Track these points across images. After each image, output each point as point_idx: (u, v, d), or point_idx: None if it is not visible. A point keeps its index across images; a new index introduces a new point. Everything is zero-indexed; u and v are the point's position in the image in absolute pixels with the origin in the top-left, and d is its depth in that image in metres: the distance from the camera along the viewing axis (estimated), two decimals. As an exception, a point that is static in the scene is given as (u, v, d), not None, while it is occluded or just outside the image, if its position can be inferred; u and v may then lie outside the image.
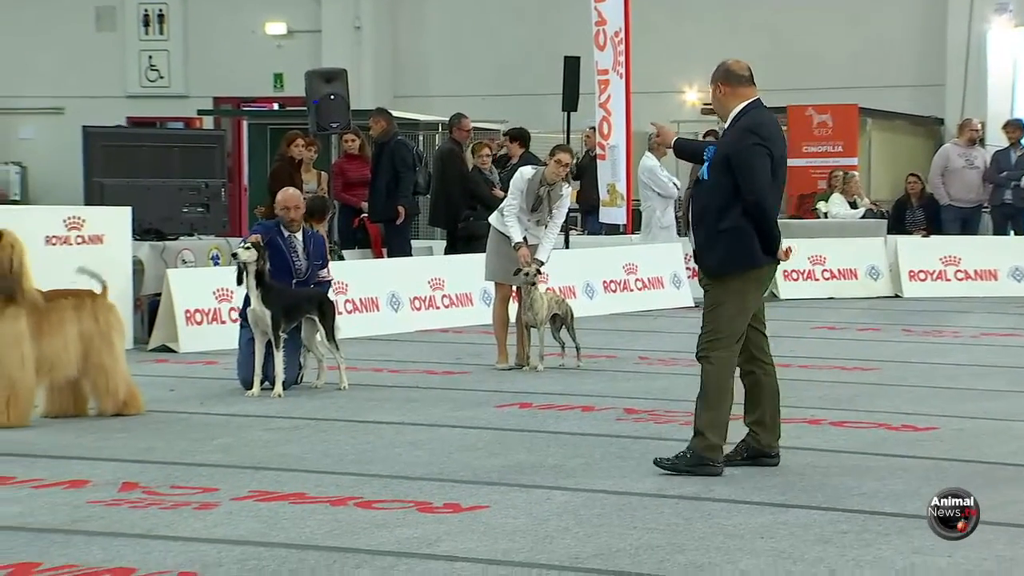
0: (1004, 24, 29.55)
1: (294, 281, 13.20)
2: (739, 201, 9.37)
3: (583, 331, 15.03)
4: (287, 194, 13.50)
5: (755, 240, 9.43)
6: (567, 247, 21.06)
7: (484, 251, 15.25)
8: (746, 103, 9.71)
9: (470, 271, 17.49)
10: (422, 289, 18.33)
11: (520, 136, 21.46)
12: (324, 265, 13.62)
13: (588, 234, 24.84)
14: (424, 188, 20.74)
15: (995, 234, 24.33)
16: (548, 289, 14.82)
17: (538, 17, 31.08)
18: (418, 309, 18.15)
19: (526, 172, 14.86)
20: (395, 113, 22.44)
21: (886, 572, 6.98)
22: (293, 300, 13.01)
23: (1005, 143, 24.67)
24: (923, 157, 27.49)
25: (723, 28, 31.23)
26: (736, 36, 30.53)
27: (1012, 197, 23.88)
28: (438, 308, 18.36)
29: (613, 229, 24.13)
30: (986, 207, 24.57)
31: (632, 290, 20.53)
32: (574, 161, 15.35)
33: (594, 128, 24.56)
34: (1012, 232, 24.38)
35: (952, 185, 24.73)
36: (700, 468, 9.14)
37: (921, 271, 23.04)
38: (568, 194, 15.40)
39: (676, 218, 22.83)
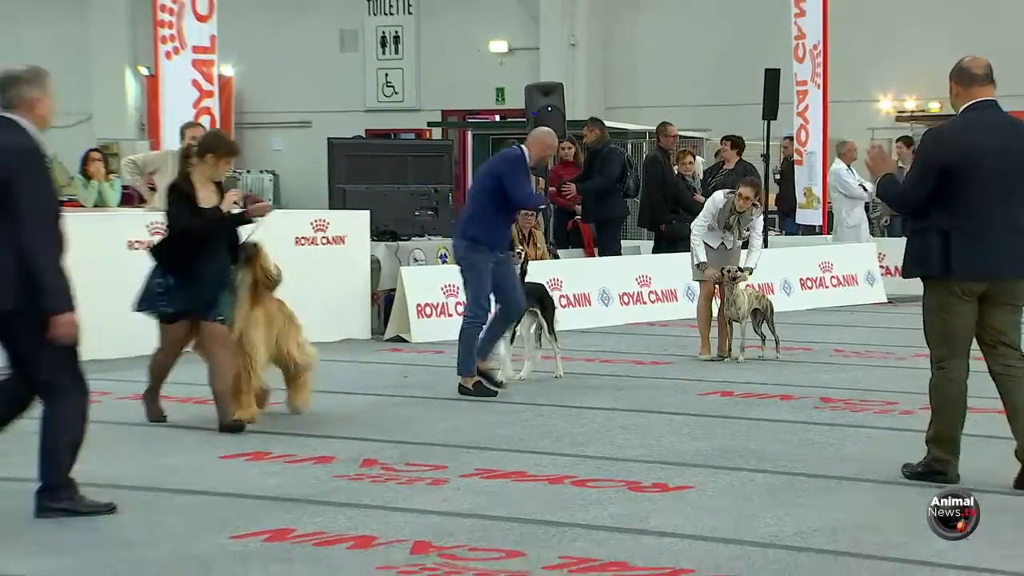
0: None
1: None
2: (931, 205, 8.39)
3: (782, 325, 14.89)
4: None
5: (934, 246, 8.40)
6: (765, 247, 20.83)
7: (687, 251, 15.17)
8: (969, 103, 8.53)
9: (674, 269, 17.46)
10: (630, 286, 18.33)
11: (736, 143, 21.25)
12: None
13: (786, 235, 24.57)
14: (633, 192, 20.70)
15: None
16: (748, 286, 14.70)
17: (741, 31, 30.79)
18: (626, 304, 18.15)
19: (718, 198, 14.78)
20: (607, 123, 22.40)
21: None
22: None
23: None
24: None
25: (922, 36, 30.35)
26: (938, 42, 29.65)
27: None
28: (645, 303, 18.33)
29: (809, 230, 23.92)
30: None
31: (827, 287, 20.27)
32: (758, 193, 15.13)
33: (791, 137, 24.41)
34: None
35: None
36: (928, 477, 8.45)
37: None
38: (759, 218, 15.34)
39: (870, 219, 22.61)
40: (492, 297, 12.25)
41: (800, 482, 8.70)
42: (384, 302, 16.25)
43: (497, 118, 30.98)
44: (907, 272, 8.74)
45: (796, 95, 23.83)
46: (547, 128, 13.92)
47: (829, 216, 23.43)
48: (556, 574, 6.61)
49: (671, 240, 19.70)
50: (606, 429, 10.61)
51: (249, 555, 7.00)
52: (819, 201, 23.57)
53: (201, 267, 10.08)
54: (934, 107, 29.91)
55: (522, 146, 12.42)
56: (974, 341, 8.53)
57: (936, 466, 8.47)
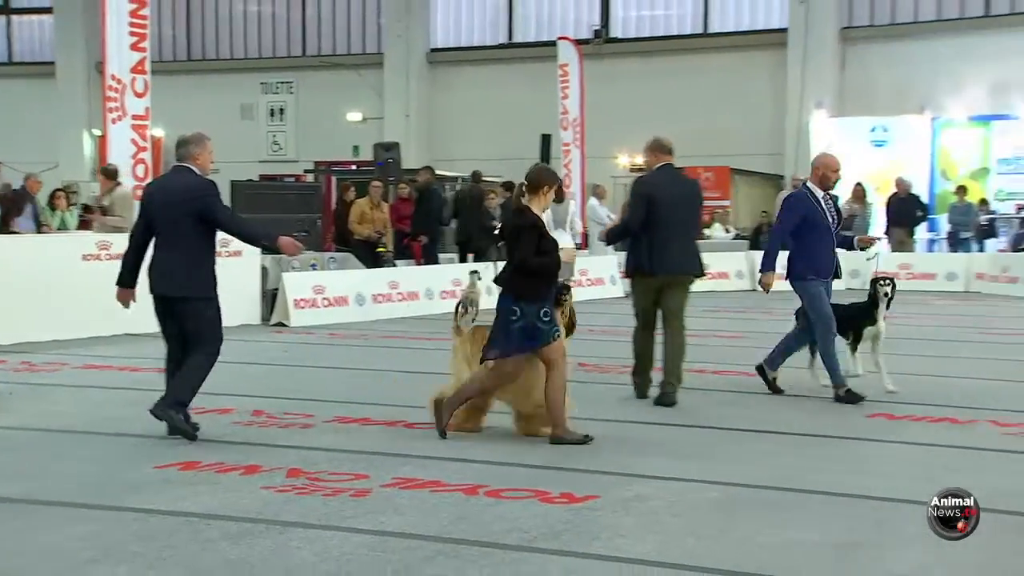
0: (822, 115, 29.57)
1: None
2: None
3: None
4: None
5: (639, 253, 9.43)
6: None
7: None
8: (659, 165, 9.51)
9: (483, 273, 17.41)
10: (447, 286, 18.27)
11: (507, 186, 21.36)
12: None
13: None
14: (447, 221, 20.73)
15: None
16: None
17: (524, 110, 31.04)
18: (444, 299, 18.04)
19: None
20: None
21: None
22: None
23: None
24: (770, 200, 27.46)
25: (644, 116, 31.16)
26: (652, 122, 30.43)
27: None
28: (457, 298, 18.26)
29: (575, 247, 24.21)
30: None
31: (583, 285, 20.39)
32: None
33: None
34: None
35: (790, 218, 24.66)
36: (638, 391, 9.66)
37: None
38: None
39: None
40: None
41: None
42: (270, 298, 16.03)
43: (353, 167, 30.79)
44: (629, 271, 9.74)
45: (563, 153, 24.16)
46: None
47: (586, 237, 23.74)
48: (389, 490, 6.46)
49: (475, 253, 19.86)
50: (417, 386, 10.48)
51: (168, 479, 6.74)
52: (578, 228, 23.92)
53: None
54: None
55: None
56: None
57: (636, 390, 9.61)
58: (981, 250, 24.28)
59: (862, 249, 10.41)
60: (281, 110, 36.80)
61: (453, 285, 18.29)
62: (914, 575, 4.97)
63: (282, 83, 36.84)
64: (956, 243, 23.80)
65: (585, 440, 7.74)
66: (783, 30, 31.33)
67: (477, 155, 32.31)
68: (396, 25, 35.51)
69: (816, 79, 30.41)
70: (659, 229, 9.29)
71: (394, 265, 19.17)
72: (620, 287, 20.71)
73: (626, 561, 5.14)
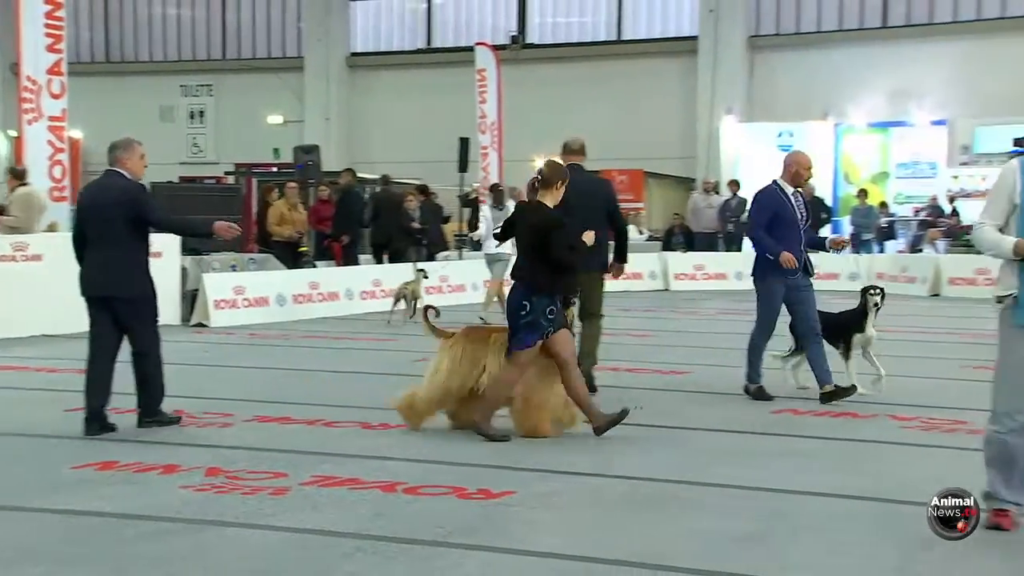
0: (731, 120, 29.97)
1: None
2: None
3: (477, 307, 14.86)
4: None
5: None
6: (460, 259, 21.00)
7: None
8: (568, 164, 9.16)
9: (393, 275, 17.43)
10: (367, 286, 18.21)
11: (422, 189, 21.33)
12: None
13: (474, 249, 24.82)
14: (367, 222, 20.63)
15: (726, 251, 24.55)
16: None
17: (443, 114, 30.99)
18: (364, 299, 18.00)
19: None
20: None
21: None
22: None
23: (729, 194, 24.95)
24: (682, 202, 27.76)
25: (561, 120, 31.32)
26: (568, 125, 30.56)
27: (733, 228, 24.23)
28: (377, 299, 18.21)
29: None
30: (720, 234, 24.84)
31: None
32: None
33: (478, 184, 24.73)
34: (734, 249, 24.70)
35: (699, 220, 25.01)
36: None
37: (682, 273, 23.31)
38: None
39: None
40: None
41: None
42: (190, 298, 15.83)
43: (274, 169, 30.50)
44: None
45: (481, 156, 24.20)
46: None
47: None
48: (308, 488, 6.43)
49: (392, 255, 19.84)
50: (338, 385, 10.44)
51: (85, 480, 6.64)
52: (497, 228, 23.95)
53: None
54: (573, 165, 31.02)
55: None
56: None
57: None
58: (882, 251, 24.80)
59: (835, 251, 10.20)
60: (201, 112, 36.42)
61: (373, 286, 18.26)
62: (807, 564, 5.06)
63: (202, 86, 36.43)
64: (858, 244, 24.28)
65: (623, 413, 7.86)
66: (694, 38, 31.70)
67: (396, 158, 32.29)
68: (316, 29, 35.29)
69: (725, 85, 30.82)
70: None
71: (314, 266, 19.07)
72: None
73: (538, 555, 5.18)
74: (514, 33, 33.83)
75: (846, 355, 9.68)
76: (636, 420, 8.55)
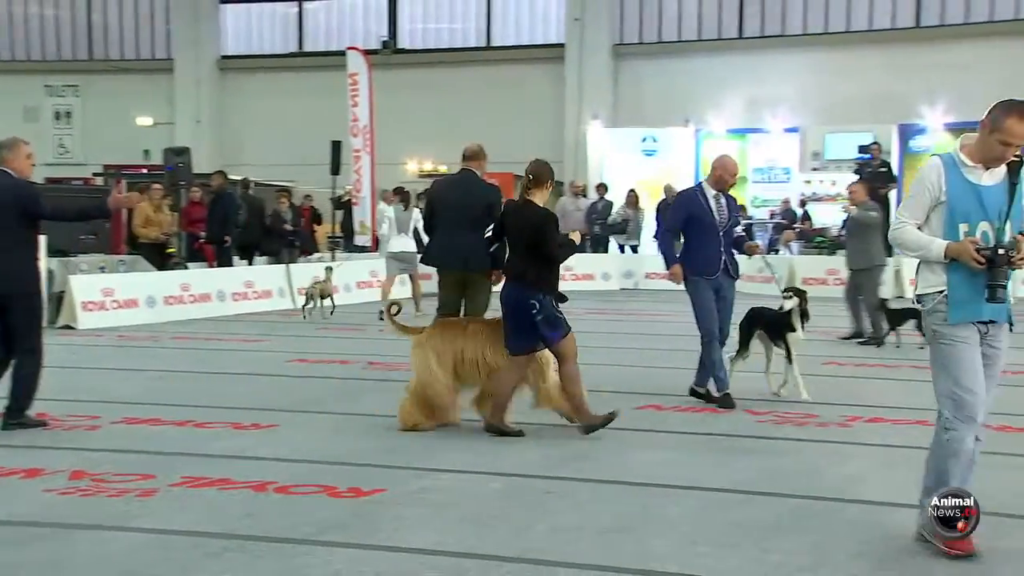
0: (597, 125, 30.32)
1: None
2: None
3: (352, 307, 14.64)
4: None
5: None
6: (333, 259, 20.81)
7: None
8: (461, 168, 9.78)
9: (274, 275, 17.16)
10: (239, 287, 17.89)
11: (284, 191, 21.10)
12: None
13: (347, 252, 24.64)
14: (242, 223, 20.28)
15: (593, 252, 24.79)
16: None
17: (315, 116, 30.66)
18: (237, 300, 17.68)
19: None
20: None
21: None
22: None
23: (596, 197, 25.23)
24: (550, 205, 27.81)
25: (432, 124, 31.46)
26: (440, 129, 30.72)
27: (600, 230, 24.44)
28: (251, 300, 17.92)
29: (364, 249, 24.02)
30: (587, 236, 25.08)
31: (376, 287, 20.33)
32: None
33: (350, 187, 24.56)
34: (601, 251, 24.96)
35: (567, 222, 25.16)
36: None
37: (580, 275, 23.41)
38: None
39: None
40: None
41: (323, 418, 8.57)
42: (57, 300, 15.28)
43: (144, 171, 29.75)
44: (426, 261, 9.98)
45: (353, 159, 24.00)
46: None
47: (375, 240, 23.64)
48: (177, 489, 6.26)
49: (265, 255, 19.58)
50: (209, 386, 10.23)
51: (-57, 487, 6.36)
52: (369, 230, 23.78)
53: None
54: (443, 168, 31.14)
55: None
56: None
57: None
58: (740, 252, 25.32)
59: (748, 255, 10.05)
60: (68, 113, 35.38)
61: (245, 287, 17.94)
62: (673, 555, 5.11)
63: (68, 86, 35.38)
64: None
65: (610, 416, 7.80)
66: (560, 45, 32.01)
67: (269, 160, 31.92)
68: (186, 31, 34.62)
69: (592, 92, 31.18)
70: (444, 227, 9.58)
71: (185, 267, 18.64)
72: (408, 288, 20.69)
73: (408, 551, 5.13)
74: (385, 38, 33.68)
75: (789, 357, 9.45)
76: (512, 417, 8.55)
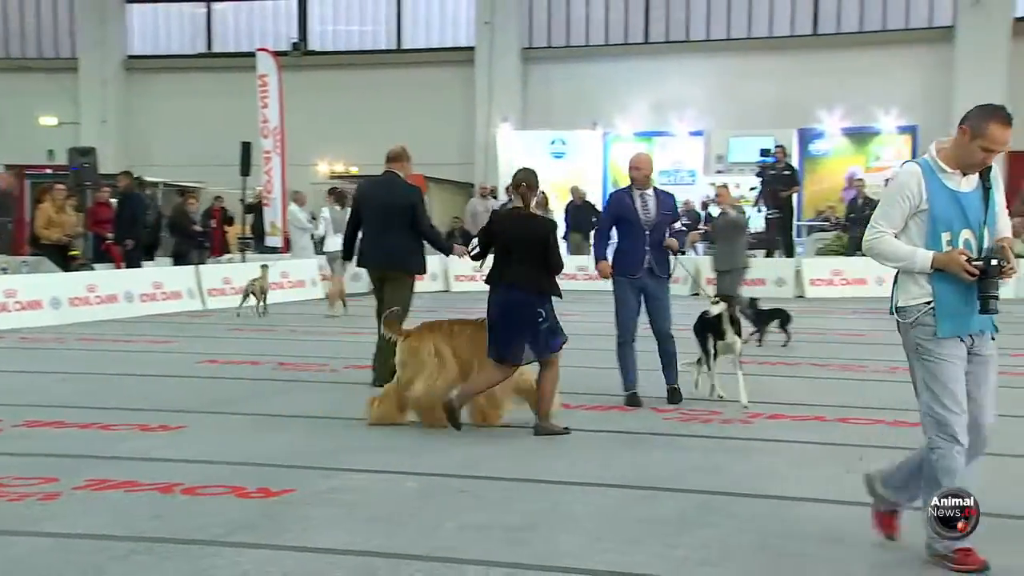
0: (507, 128, 30.38)
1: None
2: None
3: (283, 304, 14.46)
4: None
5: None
6: (243, 260, 20.52)
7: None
8: (385, 170, 10.03)
9: (183, 276, 16.83)
10: (147, 288, 17.56)
11: (187, 190, 20.79)
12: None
13: (259, 252, 24.38)
14: (150, 224, 19.96)
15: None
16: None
17: (225, 117, 30.27)
18: (145, 302, 17.35)
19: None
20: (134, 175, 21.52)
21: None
22: None
23: (506, 199, 25.27)
24: (461, 206, 27.95)
25: (344, 126, 31.27)
26: (351, 131, 30.54)
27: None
28: (159, 301, 17.62)
29: (274, 250, 23.78)
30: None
31: (284, 288, 20.10)
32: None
33: (260, 188, 24.30)
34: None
35: (477, 223, 25.19)
36: None
37: (461, 275, 23.45)
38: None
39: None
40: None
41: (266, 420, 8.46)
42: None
43: (48, 171, 29.07)
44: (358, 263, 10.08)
45: (263, 160, 23.73)
46: None
47: (287, 241, 23.39)
48: (81, 492, 6.11)
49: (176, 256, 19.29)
50: (115, 388, 10.01)
51: None
52: (280, 231, 23.58)
53: None
54: (354, 169, 31.12)
55: None
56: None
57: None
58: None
59: (672, 253, 9.95)
60: (-29, 112, 34.38)
61: (153, 288, 17.62)
62: (578, 552, 5.11)
63: (-31, 84, 34.38)
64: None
65: (565, 431, 7.79)
66: (471, 48, 32.01)
67: (178, 161, 31.41)
68: (91, 31, 33.91)
69: (501, 95, 31.24)
70: (367, 228, 9.83)
71: (91, 269, 18.23)
72: (320, 289, 20.53)
73: (316, 551, 5.06)
74: (295, 40, 33.35)
75: (708, 361, 9.39)
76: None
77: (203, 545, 5.13)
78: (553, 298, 7.89)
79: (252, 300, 17.09)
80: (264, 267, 17.65)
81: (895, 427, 8.05)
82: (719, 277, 14.16)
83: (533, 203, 8.03)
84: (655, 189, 9.27)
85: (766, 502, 5.97)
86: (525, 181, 7.93)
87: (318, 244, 20.13)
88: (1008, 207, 5.11)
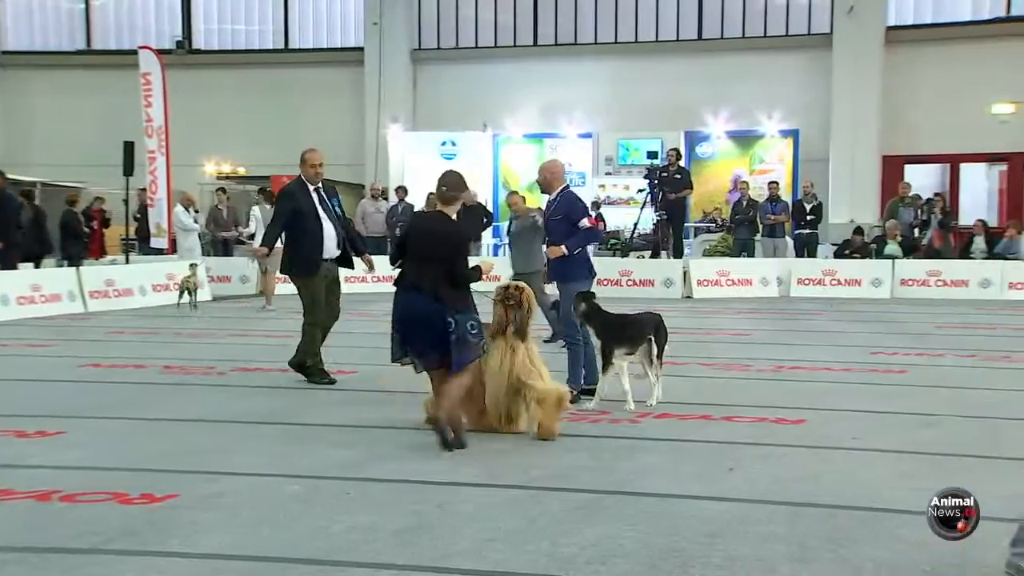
0: (397, 129, 30.28)
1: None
2: None
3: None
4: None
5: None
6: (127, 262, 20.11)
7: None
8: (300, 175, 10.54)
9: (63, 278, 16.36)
10: (25, 291, 17.07)
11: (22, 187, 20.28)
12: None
13: (143, 254, 23.89)
14: (24, 225, 19.38)
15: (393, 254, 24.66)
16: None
17: (108, 116, 29.59)
18: (21, 305, 16.86)
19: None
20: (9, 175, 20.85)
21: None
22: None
23: (396, 200, 25.17)
24: (351, 207, 27.70)
25: (232, 126, 30.84)
26: (239, 131, 30.12)
27: (400, 232, 24.45)
28: (37, 304, 17.12)
29: (160, 252, 23.29)
30: (388, 238, 24.99)
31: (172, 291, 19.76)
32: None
33: (145, 188, 23.75)
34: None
35: (368, 224, 25.07)
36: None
37: (352, 277, 23.18)
38: None
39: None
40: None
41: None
42: None
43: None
44: (284, 270, 10.47)
45: (148, 160, 23.21)
46: None
47: (173, 243, 22.97)
48: (-46, 502, 5.91)
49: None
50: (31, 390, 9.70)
51: None
52: (165, 232, 23.10)
53: None
54: (241, 170, 30.78)
55: None
56: None
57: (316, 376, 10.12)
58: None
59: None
60: None
61: (32, 291, 17.14)
62: (467, 552, 5.11)
63: None
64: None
65: (459, 445, 7.36)
66: (360, 49, 31.83)
67: (57, 160, 30.60)
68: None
69: (391, 96, 31.12)
70: (297, 229, 10.15)
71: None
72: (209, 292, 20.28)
73: (200, 556, 4.97)
74: (179, 38, 32.75)
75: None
76: (311, 420, 8.43)
77: (82, 554, 4.99)
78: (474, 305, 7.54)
79: (187, 296, 18.18)
80: (193, 266, 18.65)
81: (778, 424, 8.23)
82: (518, 280, 14.26)
83: (458, 206, 7.69)
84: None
85: (652, 500, 6.05)
86: (447, 185, 7.65)
87: (247, 241, 20.66)
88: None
